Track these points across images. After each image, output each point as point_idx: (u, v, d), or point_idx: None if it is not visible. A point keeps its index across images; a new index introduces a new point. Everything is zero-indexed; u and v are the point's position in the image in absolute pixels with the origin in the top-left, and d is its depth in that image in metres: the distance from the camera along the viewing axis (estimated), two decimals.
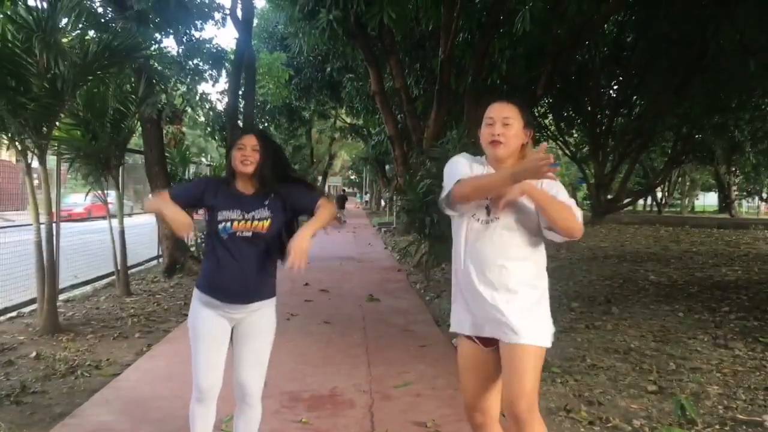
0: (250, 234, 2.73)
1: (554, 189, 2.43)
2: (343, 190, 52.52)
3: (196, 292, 2.83)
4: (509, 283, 2.42)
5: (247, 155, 2.74)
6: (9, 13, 5.78)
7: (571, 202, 2.44)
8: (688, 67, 14.17)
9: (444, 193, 2.51)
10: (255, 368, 2.86)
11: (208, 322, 2.77)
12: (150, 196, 10.34)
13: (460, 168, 2.51)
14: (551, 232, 2.43)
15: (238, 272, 2.72)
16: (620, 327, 6.56)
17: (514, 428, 2.41)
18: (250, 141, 2.76)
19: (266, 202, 2.78)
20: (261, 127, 23.80)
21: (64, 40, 6.18)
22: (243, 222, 2.72)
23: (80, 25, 7.17)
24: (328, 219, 2.85)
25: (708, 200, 50.50)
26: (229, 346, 2.87)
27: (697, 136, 21.21)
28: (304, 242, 2.66)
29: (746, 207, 46.61)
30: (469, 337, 2.56)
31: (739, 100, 16.73)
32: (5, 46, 5.47)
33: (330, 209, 2.88)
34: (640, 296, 8.44)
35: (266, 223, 2.75)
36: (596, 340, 5.96)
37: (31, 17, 5.71)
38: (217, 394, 2.84)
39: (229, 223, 2.70)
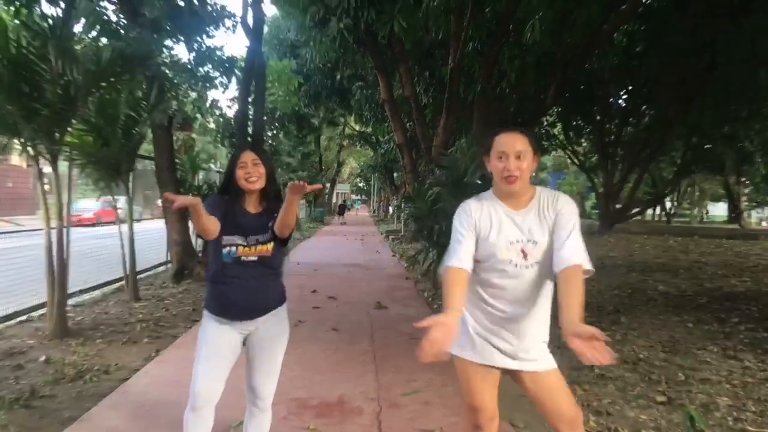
0: (255, 258, 2.75)
1: (571, 223, 2.38)
2: (344, 200, 54.81)
3: (206, 313, 2.85)
4: (537, 322, 2.49)
5: (251, 171, 2.74)
6: (24, 20, 5.82)
7: (580, 243, 2.35)
8: (698, 77, 14.15)
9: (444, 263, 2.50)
10: (268, 374, 2.90)
11: (218, 333, 2.79)
12: (159, 202, 10.38)
13: (459, 233, 2.47)
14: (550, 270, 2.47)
15: (246, 292, 2.74)
16: (629, 337, 6.53)
17: None
18: (249, 156, 2.77)
19: (270, 224, 2.78)
20: (270, 134, 23.88)
21: (77, 47, 6.24)
22: (247, 248, 2.74)
23: (93, 33, 7.26)
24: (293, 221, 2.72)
25: (717, 210, 50.23)
26: (242, 351, 2.88)
27: (706, 146, 21.16)
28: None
29: (755, 217, 46.34)
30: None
31: (749, 111, 16.69)
32: (20, 52, 5.53)
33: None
34: (648, 306, 8.40)
35: (270, 246, 2.77)
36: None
37: (46, 24, 5.78)
38: (214, 405, 2.82)
39: (234, 248, 2.72)
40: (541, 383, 2.47)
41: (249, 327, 2.81)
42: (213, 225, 2.62)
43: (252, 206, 2.81)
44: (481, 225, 2.46)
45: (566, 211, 2.41)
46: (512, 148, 2.39)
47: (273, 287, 2.86)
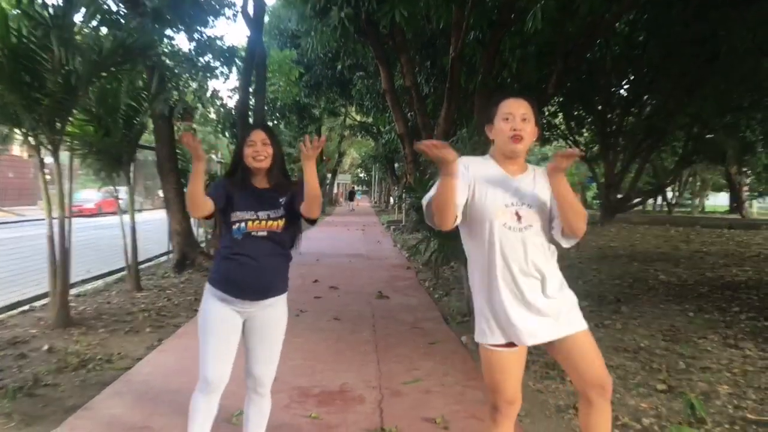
0: (265, 233, 2.74)
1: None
2: (353, 187, 57.38)
3: (209, 287, 2.83)
4: (553, 285, 2.48)
5: (259, 150, 2.75)
6: (26, 9, 5.81)
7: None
8: (700, 66, 14.10)
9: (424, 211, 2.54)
10: (269, 361, 2.91)
11: (219, 315, 2.77)
12: (160, 192, 10.40)
13: (433, 187, 2.47)
14: (560, 236, 2.48)
15: (256, 269, 2.73)
16: (630, 326, 6.55)
17: (599, 407, 2.51)
18: (259, 136, 2.78)
19: (282, 200, 2.79)
20: (271, 124, 23.86)
21: (78, 36, 6.23)
22: (257, 222, 2.73)
23: (94, 22, 7.24)
24: (317, 189, 2.68)
25: (719, 200, 50.18)
26: (240, 338, 2.89)
27: (708, 136, 21.11)
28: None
29: (757, 207, 46.28)
30: (500, 345, 2.50)
31: (751, 100, 16.64)
32: (21, 41, 5.52)
33: (317, 197, 2.71)
34: (649, 296, 8.42)
35: (281, 222, 2.77)
36: (606, 338, 5.95)
37: (47, 13, 5.77)
38: (223, 388, 2.83)
39: (243, 224, 2.72)
40: (572, 346, 2.49)
41: (250, 308, 2.80)
42: (203, 198, 2.61)
43: (259, 183, 2.82)
44: (477, 184, 2.47)
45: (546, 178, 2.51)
46: (518, 110, 2.47)
47: (281, 269, 2.85)
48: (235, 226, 2.72)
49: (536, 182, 2.51)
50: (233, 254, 2.73)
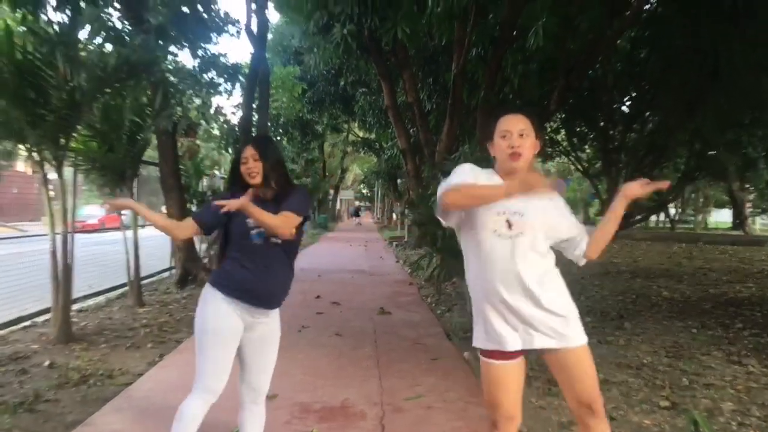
0: (279, 240, 2.75)
1: (567, 208, 2.61)
2: (358, 206, 63.72)
3: (212, 290, 2.79)
4: (548, 293, 2.46)
5: (251, 167, 2.78)
6: (31, 26, 5.86)
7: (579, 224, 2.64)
8: (701, 83, 14.12)
9: (438, 194, 2.55)
10: (267, 370, 2.95)
11: (223, 318, 2.74)
12: (163, 208, 10.42)
13: (461, 174, 2.53)
14: (579, 256, 2.63)
15: (271, 278, 2.75)
16: (633, 342, 6.52)
17: (594, 428, 2.49)
18: (249, 152, 2.80)
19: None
20: (274, 140, 23.94)
21: (82, 53, 6.28)
22: None
23: (98, 39, 7.30)
24: (268, 219, 2.61)
25: (721, 217, 50.05)
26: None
27: (710, 153, 21.09)
28: (245, 204, 2.51)
29: (760, 224, 46.14)
30: (497, 354, 2.50)
31: (752, 117, 16.64)
32: (26, 58, 5.56)
33: (279, 219, 2.65)
34: (652, 312, 8.39)
35: (293, 230, 2.78)
36: (608, 355, 5.93)
37: (52, 30, 5.82)
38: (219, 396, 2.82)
39: (263, 229, 2.71)
40: (567, 360, 2.47)
41: (253, 318, 2.80)
42: (173, 230, 2.77)
43: (264, 195, 2.83)
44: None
45: (558, 198, 2.59)
46: (515, 127, 2.49)
47: (287, 282, 2.87)
48: (253, 231, 2.72)
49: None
50: (248, 259, 2.73)
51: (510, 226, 2.45)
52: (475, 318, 2.60)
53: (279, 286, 2.81)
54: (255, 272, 2.73)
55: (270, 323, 2.90)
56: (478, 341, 2.56)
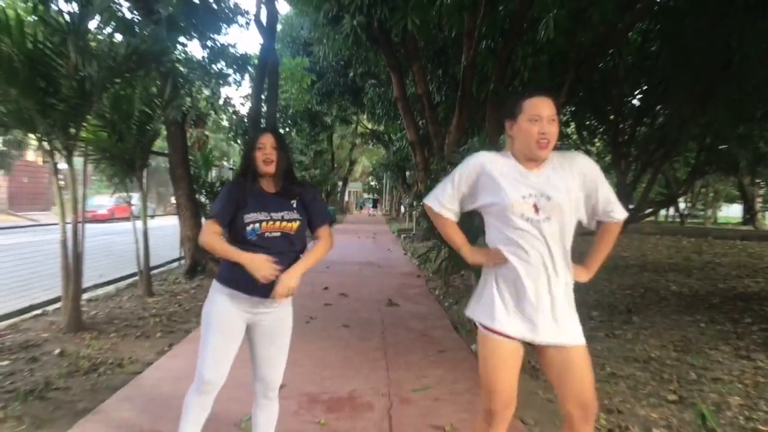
0: (278, 234, 2.75)
1: (601, 178, 2.51)
2: (375, 197, 63.37)
3: (216, 285, 2.83)
4: (562, 284, 2.43)
5: (268, 154, 2.77)
6: (42, 15, 5.87)
7: (611, 194, 2.56)
8: (713, 76, 14.02)
9: (431, 197, 2.59)
10: (277, 364, 2.92)
11: (225, 314, 2.77)
12: (173, 199, 10.45)
13: (454, 180, 2.54)
14: (591, 224, 2.59)
15: None
16: (641, 336, 6.51)
17: (580, 427, 2.42)
18: (269, 140, 2.80)
19: (294, 204, 2.82)
20: (283, 131, 23.95)
21: (92, 43, 6.29)
22: (271, 222, 2.74)
23: (108, 29, 7.31)
24: (322, 257, 2.93)
25: (731, 211, 49.75)
26: (243, 343, 2.89)
27: (721, 147, 20.95)
28: (293, 281, 2.73)
29: None
30: (499, 332, 2.45)
31: (764, 111, 16.52)
32: (36, 47, 5.58)
33: (327, 245, 2.96)
34: (661, 306, 8.36)
35: (295, 225, 2.79)
36: (616, 348, 5.93)
37: (63, 20, 5.83)
38: (218, 389, 2.84)
39: (257, 225, 2.72)
40: (566, 358, 2.41)
41: (260, 310, 2.81)
42: (255, 260, 2.72)
43: (269, 187, 2.84)
44: (494, 179, 2.45)
45: (591, 169, 2.50)
46: (546, 112, 2.37)
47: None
48: (249, 228, 2.72)
49: (556, 172, 2.45)
50: (245, 249, 2.73)
51: (537, 210, 2.38)
52: (481, 293, 2.56)
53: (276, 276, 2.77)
54: None
55: (279, 314, 2.88)
56: (483, 317, 2.50)
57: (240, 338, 2.85)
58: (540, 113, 2.37)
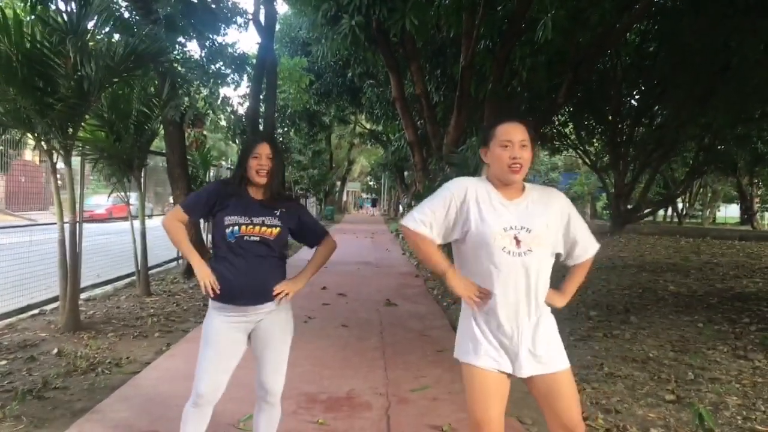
0: (257, 238, 2.76)
1: (574, 216, 2.52)
2: (374, 196, 65.47)
3: (210, 301, 2.85)
4: (543, 314, 2.43)
5: (263, 164, 2.77)
6: (40, 15, 5.87)
7: (586, 231, 2.57)
8: (712, 77, 14.05)
9: (408, 218, 2.49)
10: (276, 370, 2.90)
11: (218, 330, 2.79)
12: (171, 199, 10.44)
13: (439, 203, 2.45)
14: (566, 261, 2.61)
15: (248, 273, 2.74)
16: (638, 336, 6.52)
17: None
18: (264, 150, 2.79)
19: (277, 212, 2.82)
20: (281, 131, 23.93)
21: (91, 43, 6.29)
22: (251, 227, 2.75)
23: (106, 28, 7.31)
24: (326, 261, 3.08)
25: (730, 212, 49.82)
26: (247, 345, 2.89)
27: (719, 147, 21.01)
28: (297, 287, 2.87)
29: None
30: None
31: (762, 111, 16.56)
32: (34, 47, 5.57)
33: (328, 248, 3.08)
34: (659, 306, 8.38)
35: (275, 231, 2.79)
36: (614, 348, 5.93)
37: (61, 19, 5.83)
38: (215, 402, 2.84)
39: (237, 227, 2.73)
40: (551, 385, 2.39)
41: (251, 317, 2.80)
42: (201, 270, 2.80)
43: (256, 194, 2.84)
44: (475, 208, 2.40)
45: (564, 205, 2.51)
46: (517, 137, 2.37)
47: (274, 272, 2.84)
48: (228, 230, 2.73)
49: (536, 205, 2.43)
50: (226, 257, 2.75)
51: (518, 242, 2.35)
52: (464, 332, 2.52)
53: (258, 279, 2.77)
54: (240, 268, 2.74)
55: (274, 318, 2.86)
56: (468, 356, 2.45)
57: (239, 351, 2.85)
58: (511, 138, 2.37)
